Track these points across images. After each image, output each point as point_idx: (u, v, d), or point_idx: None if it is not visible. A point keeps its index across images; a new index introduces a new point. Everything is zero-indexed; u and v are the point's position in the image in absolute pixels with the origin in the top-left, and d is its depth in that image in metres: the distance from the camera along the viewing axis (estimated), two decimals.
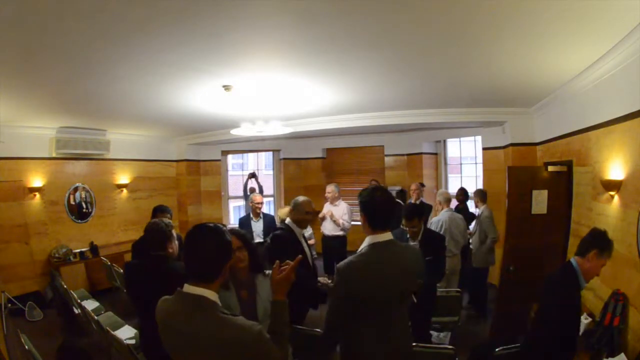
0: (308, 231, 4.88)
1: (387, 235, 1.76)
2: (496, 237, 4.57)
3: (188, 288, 1.27)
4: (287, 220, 2.99)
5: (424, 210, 3.76)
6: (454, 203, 5.30)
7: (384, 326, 1.74)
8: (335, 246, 5.30)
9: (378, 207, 1.76)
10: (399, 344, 1.79)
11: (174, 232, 2.39)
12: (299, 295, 3.00)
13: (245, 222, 4.97)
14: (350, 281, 1.70)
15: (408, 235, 3.32)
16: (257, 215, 4.96)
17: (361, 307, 1.70)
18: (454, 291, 3.63)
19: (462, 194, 5.44)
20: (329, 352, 1.89)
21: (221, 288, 1.43)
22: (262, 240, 4.63)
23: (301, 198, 3.00)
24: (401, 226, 3.58)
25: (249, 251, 1.88)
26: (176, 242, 2.37)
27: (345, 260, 1.76)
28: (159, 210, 3.63)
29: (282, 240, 2.83)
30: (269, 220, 5.06)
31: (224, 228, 1.36)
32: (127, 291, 2.64)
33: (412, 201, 5.38)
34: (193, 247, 1.29)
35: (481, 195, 4.89)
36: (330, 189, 5.24)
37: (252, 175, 6.87)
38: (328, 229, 5.27)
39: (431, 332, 3.55)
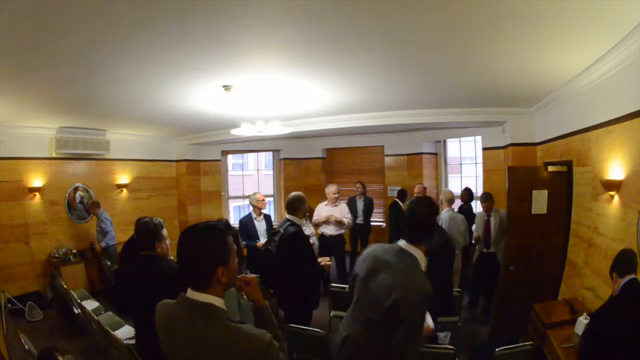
0: (309, 229, 4.89)
1: (397, 245, 1.90)
2: None
3: (192, 294, 1.20)
4: (288, 216, 3.17)
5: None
6: (458, 203, 5.28)
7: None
8: (336, 245, 5.35)
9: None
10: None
11: (165, 232, 2.37)
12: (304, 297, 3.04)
13: (248, 222, 4.90)
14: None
15: None
16: (260, 214, 4.94)
17: None
18: (455, 291, 3.62)
19: (467, 194, 5.41)
20: None
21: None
22: (267, 239, 4.58)
23: (294, 193, 3.25)
24: None
25: None
26: (167, 241, 2.36)
27: None
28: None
29: (304, 235, 3.18)
30: (269, 219, 5.05)
31: (222, 227, 1.26)
32: (114, 299, 2.61)
33: None
34: (181, 250, 1.22)
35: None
36: (335, 189, 5.27)
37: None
38: (330, 229, 5.29)
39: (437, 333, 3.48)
